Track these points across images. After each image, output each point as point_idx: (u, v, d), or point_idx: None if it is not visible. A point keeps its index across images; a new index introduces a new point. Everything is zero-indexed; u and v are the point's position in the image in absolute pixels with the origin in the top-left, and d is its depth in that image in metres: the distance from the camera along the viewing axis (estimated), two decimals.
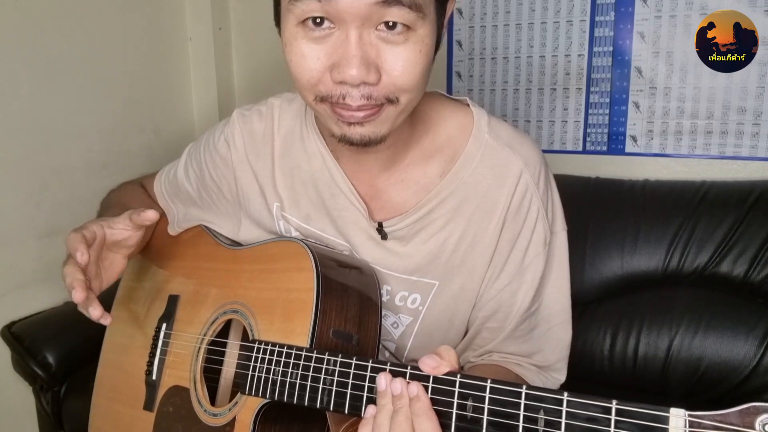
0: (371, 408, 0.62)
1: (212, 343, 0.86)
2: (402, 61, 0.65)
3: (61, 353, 1.37)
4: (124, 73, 1.66)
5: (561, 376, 0.86)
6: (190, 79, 1.93)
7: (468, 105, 0.83)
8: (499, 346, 0.84)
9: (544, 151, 1.71)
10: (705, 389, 1.31)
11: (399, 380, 0.60)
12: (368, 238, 0.82)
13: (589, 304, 1.42)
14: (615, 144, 1.60)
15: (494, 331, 0.83)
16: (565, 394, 0.52)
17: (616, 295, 1.41)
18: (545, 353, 0.85)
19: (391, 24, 0.63)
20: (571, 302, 0.85)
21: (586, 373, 1.39)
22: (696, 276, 1.36)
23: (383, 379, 0.61)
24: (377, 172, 0.82)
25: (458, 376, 0.58)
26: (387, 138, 0.71)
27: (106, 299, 1.03)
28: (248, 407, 0.75)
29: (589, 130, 1.62)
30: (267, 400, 0.73)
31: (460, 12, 1.69)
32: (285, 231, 0.88)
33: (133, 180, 1.10)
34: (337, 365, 0.67)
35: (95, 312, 0.78)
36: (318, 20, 0.64)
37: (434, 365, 0.59)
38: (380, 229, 0.81)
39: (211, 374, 0.87)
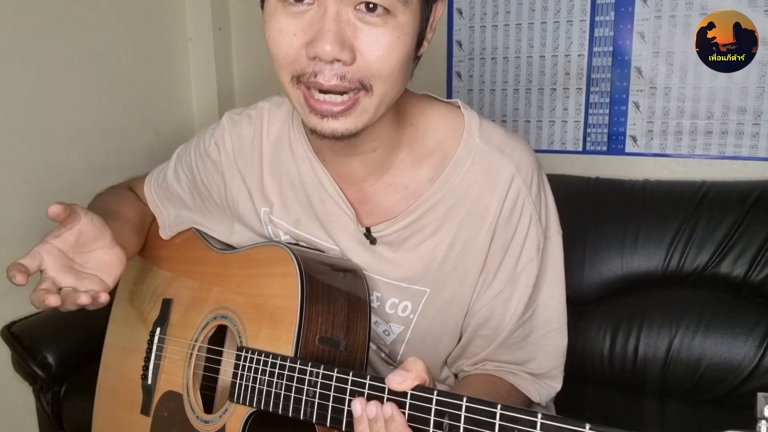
0: None
1: (207, 348, 0.86)
2: (378, 44, 0.64)
3: (61, 353, 1.37)
4: (124, 73, 1.66)
5: (557, 384, 0.85)
6: (190, 79, 1.92)
7: (459, 107, 0.82)
8: (492, 354, 0.83)
9: (544, 152, 1.71)
10: (705, 389, 1.31)
11: (373, 403, 0.60)
12: (357, 243, 0.82)
13: (589, 304, 1.42)
14: (615, 144, 1.60)
15: (487, 338, 0.82)
16: (539, 416, 0.52)
17: (616, 295, 1.41)
18: (539, 360, 0.84)
19: (371, 6, 0.63)
20: (566, 308, 0.84)
21: (586, 374, 1.39)
22: (696, 276, 1.36)
23: (358, 405, 0.61)
24: (364, 176, 0.80)
25: (435, 393, 0.58)
26: (362, 133, 0.69)
27: (113, 293, 1.04)
28: (237, 415, 0.75)
29: (589, 130, 1.62)
30: (254, 409, 0.73)
31: (460, 12, 1.69)
32: (273, 235, 0.87)
33: (121, 183, 1.08)
34: (319, 377, 0.67)
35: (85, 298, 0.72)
36: None
37: (400, 380, 0.59)
38: (368, 234, 0.80)
39: (208, 381, 0.87)
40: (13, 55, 1.37)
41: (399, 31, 0.65)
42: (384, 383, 0.61)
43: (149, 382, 0.91)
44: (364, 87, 0.66)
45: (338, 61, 0.64)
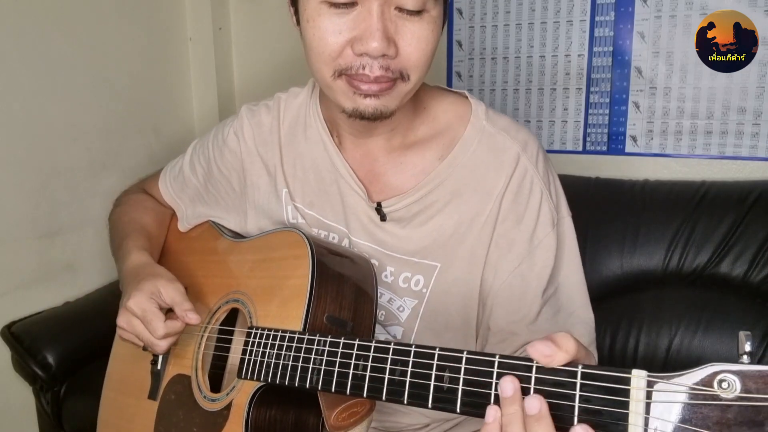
0: (492, 410, 0.54)
1: (218, 332, 0.88)
2: (417, 39, 0.71)
3: (61, 353, 1.37)
4: (124, 73, 1.66)
5: (594, 362, 0.84)
6: (190, 79, 1.92)
7: (467, 97, 0.87)
8: (529, 336, 0.81)
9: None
10: None
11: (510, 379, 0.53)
12: (368, 221, 0.85)
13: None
14: (615, 144, 1.60)
15: (518, 323, 0.81)
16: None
17: (616, 295, 1.41)
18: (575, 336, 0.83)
19: (410, 4, 0.69)
20: (586, 285, 0.85)
21: None
22: (696, 276, 1.36)
23: (510, 385, 0.52)
24: (377, 155, 0.85)
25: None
26: (394, 113, 0.75)
27: (113, 292, 1.04)
28: (244, 391, 0.77)
29: (589, 130, 1.62)
30: (262, 383, 0.75)
31: (460, 12, 1.69)
32: (293, 217, 0.91)
33: (135, 189, 1.11)
34: (327, 345, 0.68)
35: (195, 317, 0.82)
36: None
37: (548, 353, 0.51)
38: (379, 209, 0.83)
39: (219, 362, 0.88)
40: (13, 55, 1.37)
41: (432, 24, 0.71)
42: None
43: (159, 367, 0.92)
44: (402, 77, 0.72)
45: (385, 56, 0.69)
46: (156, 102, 1.79)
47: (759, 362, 1.25)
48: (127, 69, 1.67)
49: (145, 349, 0.85)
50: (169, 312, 0.84)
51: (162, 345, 0.81)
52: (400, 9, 0.69)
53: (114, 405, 1.00)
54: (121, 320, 0.83)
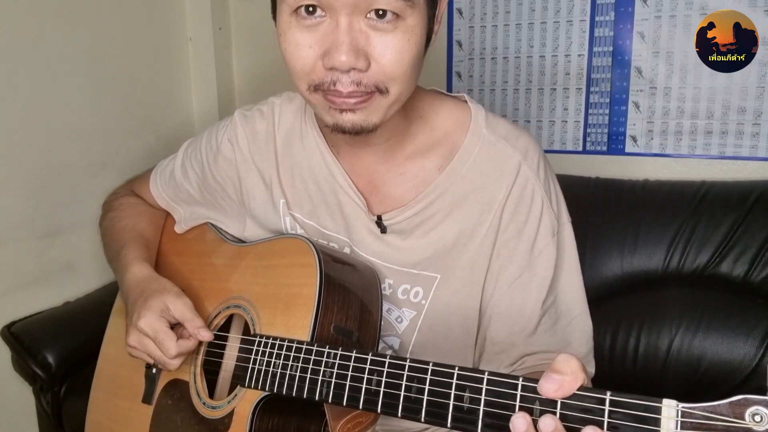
0: None
1: (217, 338, 0.87)
2: (391, 48, 0.67)
3: (61, 353, 1.36)
4: (124, 73, 1.66)
5: (592, 369, 0.85)
6: (190, 79, 1.92)
7: (466, 101, 0.84)
8: (526, 347, 0.82)
9: (544, 152, 1.71)
10: (705, 390, 1.31)
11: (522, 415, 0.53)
12: (368, 233, 0.83)
13: (589, 304, 1.42)
14: (615, 144, 1.60)
15: (517, 334, 0.81)
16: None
17: (616, 295, 1.41)
18: (574, 346, 0.83)
19: (380, 12, 0.66)
20: (585, 293, 0.85)
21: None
22: (696, 276, 1.36)
23: (522, 420, 0.52)
24: (375, 167, 0.83)
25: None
26: (379, 128, 0.73)
27: (112, 292, 1.04)
28: (247, 400, 0.76)
29: (589, 130, 1.62)
30: (266, 393, 0.74)
31: (460, 12, 1.69)
32: (291, 228, 0.89)
33: (123, 192, 1.08)
34: (337, 358, 0.67)
35: (208, 335, 0.82)
36: (310, 8, 0.67)
37: (556, 387, 0.51)
38: (379, 222, 0.82)
39: (211, 367, 0.87)
40: (13, 55, 1.37)
41: (409, 33, 0.68)
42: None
43: (154, 371, 0.91)
44: (380, 90, 0.69)
45: (354, 69, 0.67)
46: (156, 102, 1.79)
47: (759, 364, 1.25)
48: (127, 69, 1.67)
49: (154, 365, 0.84)
50: (177, 326, 0.83)
51: (175, 363, 0.81)
52: (370, 18, 0.66)
53: (106, 407, 0.99)
54: (132, 340, 0.82)
